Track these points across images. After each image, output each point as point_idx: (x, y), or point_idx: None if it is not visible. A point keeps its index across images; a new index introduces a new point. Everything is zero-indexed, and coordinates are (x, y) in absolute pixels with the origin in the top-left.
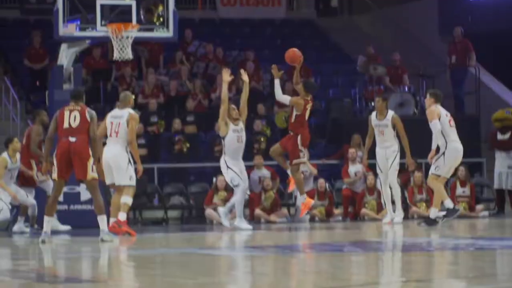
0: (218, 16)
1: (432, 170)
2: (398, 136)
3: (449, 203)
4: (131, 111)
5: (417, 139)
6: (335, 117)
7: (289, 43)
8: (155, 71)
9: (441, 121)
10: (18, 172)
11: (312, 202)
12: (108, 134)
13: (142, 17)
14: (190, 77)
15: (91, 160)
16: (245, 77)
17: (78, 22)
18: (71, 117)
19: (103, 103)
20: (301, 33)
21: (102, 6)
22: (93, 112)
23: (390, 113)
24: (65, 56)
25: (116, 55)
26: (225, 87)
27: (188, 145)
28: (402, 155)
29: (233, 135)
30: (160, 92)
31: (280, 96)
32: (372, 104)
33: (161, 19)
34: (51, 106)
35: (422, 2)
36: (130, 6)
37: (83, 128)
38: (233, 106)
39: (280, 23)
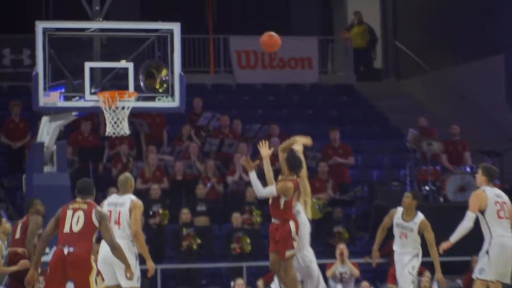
0: (235, 82)
1: (476, 273)
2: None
3: None
4: (133, 197)
5: (479, 231)
6: (380, 205)
7: (322, 113)
8: (158, 150)
9: (487, 209)
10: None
11: None
12: None
13: (141, 83)
14: (200, 156)
15: (94, 274)
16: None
17: (63, 90)
18: (74, 218)
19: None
20: (338, 101)
21: (91, 69)
22: (104, 213)
23: (419, 216)
24: (47, 132)
25: (109, 130)
26: (267, 166)
27: (198, 241)
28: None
29: None
30: (163, 176)
31: (262, 191)
32: (427, 188)
33: (165, 86)
34: (30, 194)
35: (486, 61)
36: (126, 70)
37: (87, 234)
38: None
39: (311, 89)
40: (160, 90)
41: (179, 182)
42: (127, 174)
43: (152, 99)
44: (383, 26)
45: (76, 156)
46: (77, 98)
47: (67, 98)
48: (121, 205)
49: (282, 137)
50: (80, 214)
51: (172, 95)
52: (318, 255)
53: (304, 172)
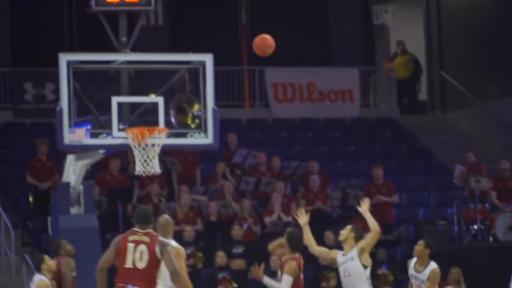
0: (272, 116)
1: None
2: None
3: None
4: (175, 243)
5: None
6: None
7: (364, 149)
8: (190, 189)
9: None
10: None
11: None
12: None
13: (172, 118)
14: (236, 196)
15: None
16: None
17: (89, 126)
18: (137, 253)
19: (122, 230)
20: (381, 135)
21: (119, 104)
22: (166, 243)
23: (431, 266)
24: (73, 171)
25: (138, 169)
26: (307, 234)
27: (235, 285)
28: None
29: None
30: (197, 217)
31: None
32: (475, 227)
33: (197, 121)
34: (55, 236)
35: None
36: (155, 105)
37: (152, 271)
38: None
39: (352, 124)
40: (192, 126)
41: (214, 223)
42: (167, 216)
43: (184, 135)
44: (428, 55)
45: (104, 196)
46: (104, 135)
47: (93, 135)
48: None
49: (322, 175)
50: (143, 248)
51: (205, 131)
52: None
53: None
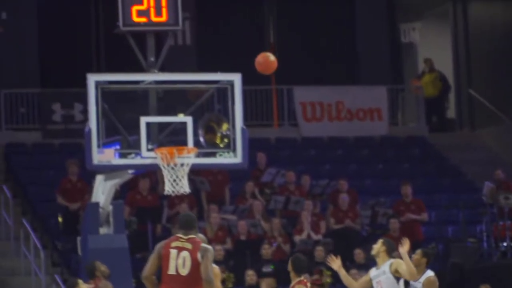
0: (301, 135)
1: None
2: None
3: None
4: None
5: None
6: (456, 263)
7: (393, 167)
8: (220, 209)
9: None
10: None
11: None
12: None
13: (201, 138)
14: (265, 215)
15: None
16: (335, 264)
17: (118, 146)
18: (179, 259)
19: (151, 250)
20: (409, 153)
21: (147, 124)
22: (208, 249)
23: (427, 273)
24: (102, 191)
25: (168, 189)
26: (344, 277)
27: None
28: None
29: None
30: (226, 236)
31: None
32: (504, 244)
33: (226, 141)
34: (85, 257)
35: None
36: (184, 124)
37: (195, 278)
38: None
39: (381, 142)
40: (221, 145)
41: (243, 242)
42: (202, 235)
43: (213, 155)
44: (455, 73)
45: (133, 216)
46: (133, 155)
47: (122, 155)
48: None
49: (351, 193)
50: (186, 255)
51: (234, 150)
52: None
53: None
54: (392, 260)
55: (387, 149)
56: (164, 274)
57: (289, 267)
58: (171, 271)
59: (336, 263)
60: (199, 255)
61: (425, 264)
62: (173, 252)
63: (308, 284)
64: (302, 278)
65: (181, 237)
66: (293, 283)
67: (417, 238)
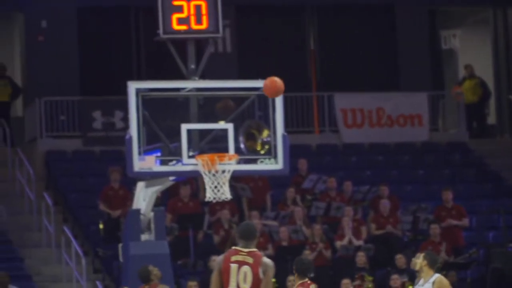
0: (341, 141)
1: None
2: None
3: None
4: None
5: None
6: (497, 268)
7: (434, 173)
8: (261, 215)
9: None
10: None
11: None
12: None
13: (241, 145)
14: (306, 221)
15: None
16: None
17: (158, 153)
18: (240, 274)
19: (193, 258)
20: (450, 159)
21: (189, 132)
22: (269, 264)
23: (435, 276)
24: (143, 198)
25: (209, 195)
26: None
27: None
28: None
29: None
30: (268, 242)
31: None
32: None
33: (267, 147)
34: (126, 264)
35: None
36: (225, 131)
37: None
38: None
39: (421, 148)
40: (262, 152)
41: (285, 248)
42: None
43: (254, 161)
44: (496, 79)
45: (175, 223)
46: (174, 162)
47: (163, 162)
48: None
49: (392, 199)
50: (247, 270)
51: (275, 156)
52: None
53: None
54: (436, 276)
55: (428, 155)
56: None
57: (294, 269)
58: (232, 286)
59: None
60: (260, 271)
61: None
62: (234, 266)
63: (312, 286)
64: (306, 280)
65: (241, 251)
66: (296, 285)
67: (458, 243)
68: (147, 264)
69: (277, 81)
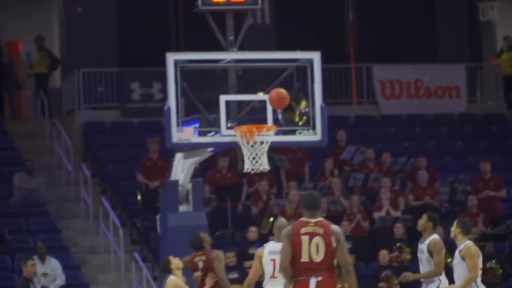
0: (380, 113)
1: None
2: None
3: None
4: None
5: None
6: None
7: (472, 144)
8: (299, 186)
9: None
10: None
11: None
12: (270, 274)
13: (280, 116)
14: (344, 192)
15: None
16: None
17: (197, 125)
18: (312, 246)
19: (231, 229)
20: (488, 131)
21: (227, 103)
22: (338, 229)
23: (432, 237)
24: (181, 169)
25: (247, 166)
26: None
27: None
28: None
29: None
30: None
31: None
32: None
33: (305, 118)
34: (164, 235)
35: None
36: (264, 103)
37: (330, 262)
38: None
39: (459, 119)
40: (300, 123)
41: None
42: (283, 220)
43: (292, 132)
44: None
45: (213, 194)
46: (212, 133)
47: (201, 134)
48: None
49: (430, 170)
50: (319, 241)
51: (314, 128)
52: None
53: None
54: (465, 244)
55: (466, 126)
56: (297, 263)
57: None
58: (304, 258)
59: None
60: (333, 240)
61: (431, 228)
62: (305, 238)
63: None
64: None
65: (308, 222)
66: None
67: (496, 215)
68: (198, 231)
69: (281, 92)
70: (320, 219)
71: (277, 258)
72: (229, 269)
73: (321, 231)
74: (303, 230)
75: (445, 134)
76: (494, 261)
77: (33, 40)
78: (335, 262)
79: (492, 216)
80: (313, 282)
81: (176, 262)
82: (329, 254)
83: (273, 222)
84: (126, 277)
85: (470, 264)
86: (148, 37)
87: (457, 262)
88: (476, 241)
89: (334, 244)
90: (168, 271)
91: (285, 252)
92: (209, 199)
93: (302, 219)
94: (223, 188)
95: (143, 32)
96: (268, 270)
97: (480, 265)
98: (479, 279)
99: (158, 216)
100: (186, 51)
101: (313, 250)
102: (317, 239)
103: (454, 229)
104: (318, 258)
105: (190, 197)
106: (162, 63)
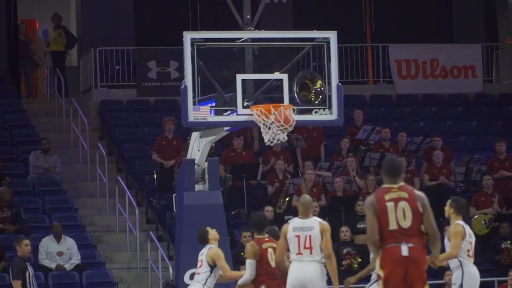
0: (395, 92)
1: None
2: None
3: None
4: (319, 219)
5: None
6: None
7: (487, 124)
8: (315, 166)
9: None
10: None
11: None
12: (295, 251)
13: (295, 95)
14: (360, 172)
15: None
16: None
17: (213, 104)
18: (399, 212)
19: (247, 207)
20: (503, 111)
21: (244, 82)
22: (422, 194)
23: (453, 223)
24: (197, 148)
25: (267, 139)
26: None
27: (359, 259)
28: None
29: None
30: (321, 193)
31: None
32: None
33: (321, 97)
34: (180, 213)
35: None
36: (280, 82)
37: (418, 226)
38: None
39: (475, 99)
40: (316, 102)
41: (339, 199)
42: (307, 197)
43: (309, 112)
44: None
45: (229, 173)
46: (228, 112)
47: (218, 113)
48: (309, 229)
49: (445, 150)
50: (405, 205)
51: (330, 107)
52: (485, 273)
53: None
54: (454, 223)
55: (481, 106)
56: (384, 231)
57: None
58: (392, 226)
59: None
60: (419, 205)
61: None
62: (390, 205)
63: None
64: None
65: (391, 187)
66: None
67: (511, 195)
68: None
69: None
70: (403, 183)
71: (302, 234)
72: (243, 248)
73: (406, 195)
74: (387, 197)
75: (460, 114)
76: (509, 242)
77: (50, 18)
78: (423, 228)
79: (507, 196)
80: (404, 248)
81: (213, 233)
82: (417, 220)
83: (289, 201)
84: (142, 256)
85: (452, 242)
86: (164, 15)
87: (446, 242)
88: (491, 221)
89: (420, 210)
90: (205, 241)
91: (370, 223)
92: (225, 178)
93: (384, 185)
94: (239, 167)
95: (160, 11)
96: (293, 246)
97: (470, 248)
98: (467, 260)
99: (174, 195)
100: (203, 29)
101: (400, 216)
102: (402, 204)
103: (448, 209)
104: (406, 224)
105: (206, 176)
106: (179, 42)
